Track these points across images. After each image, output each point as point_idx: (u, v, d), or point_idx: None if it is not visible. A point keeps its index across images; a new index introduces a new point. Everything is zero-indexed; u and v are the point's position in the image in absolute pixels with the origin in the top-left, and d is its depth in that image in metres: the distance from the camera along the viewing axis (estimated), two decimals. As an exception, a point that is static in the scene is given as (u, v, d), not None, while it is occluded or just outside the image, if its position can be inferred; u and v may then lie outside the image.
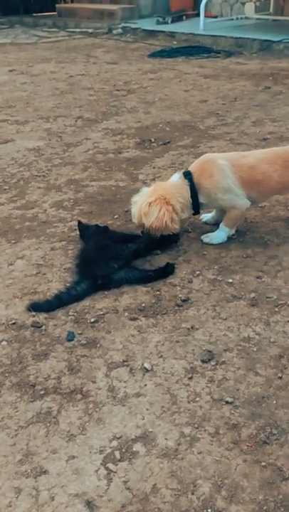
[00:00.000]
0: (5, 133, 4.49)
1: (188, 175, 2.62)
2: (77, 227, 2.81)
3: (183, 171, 2.67)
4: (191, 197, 2.60)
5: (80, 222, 2.79)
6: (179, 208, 2.58)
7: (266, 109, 4.87)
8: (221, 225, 2.74)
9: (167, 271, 2.47)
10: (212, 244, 2.71)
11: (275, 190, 2.72)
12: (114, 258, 2.44)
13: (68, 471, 1.58)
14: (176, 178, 2.64)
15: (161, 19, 9.36)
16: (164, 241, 2.65)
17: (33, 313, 2.24)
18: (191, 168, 2.68)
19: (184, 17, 9.65)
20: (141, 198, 2.62)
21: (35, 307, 2.28)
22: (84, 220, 2.86)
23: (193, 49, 7.65)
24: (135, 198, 2.68)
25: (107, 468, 1.58)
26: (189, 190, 2.59)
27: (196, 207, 2.64)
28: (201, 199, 2.62)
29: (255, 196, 2.66)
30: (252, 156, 2.69)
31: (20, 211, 3.14)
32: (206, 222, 2.94)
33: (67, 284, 2.41)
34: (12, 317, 2.23)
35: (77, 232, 2.80)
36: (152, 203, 2.54)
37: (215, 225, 2.85)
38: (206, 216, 2.95)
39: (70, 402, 1.81)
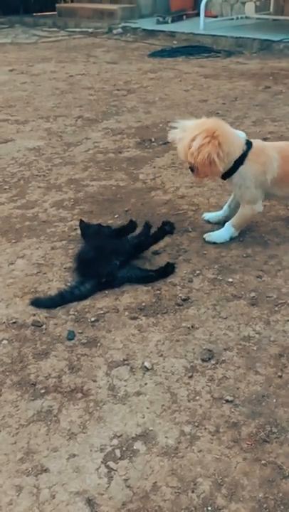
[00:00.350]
0: (5, 132, 4.49)
1: (249, 144, 2.52)
2: (78, 226, 2.81)
3: (248, 138, 2.57)
4: (235, 162, 2.49)
5: (81, 221, 2.79)
6: (226, 150, 2.41)
7: (266, 108, 4.87)
8: (228, 224, 2.69)
9: (168, 270, 2.48)
10: (214, 243, 2.70)
11: None
12: (115, 254, 2.44)
13: (69, 469, 1.58)
14: (242, 135, 2.55)
15: (161, 19, 9.36)
16: (161, 233, 2.62)
17: (35, 308, 2.25)
18: (253, 143, 2.56)
19: (184, 17, 9.66)
20: (187, 132, 2.43)
21: (37, 303, 2.29)
22: (85, 219, 2.87)
23: (194, 49, 7.65)
24: (179, 132, 2.50)
25: (107, 467, 1.59)
26: (240, 153, 2.47)
27: (229, 174, 2.53)
28: (237, 174, 2.52)
29: (287, 192, 2.64)
30: None
31: (21, 211, 3.15)
32: (208, 221, 2.92)
33: (71, 283, 2.41)
34: (12, 316, 2.24)
35: (78, 232, 2.80)
36: (200, 137, 2.35)
37: (217, 224, 2.84)
38: (208, 215, 2.94)
39: (70, 401, 1.82)
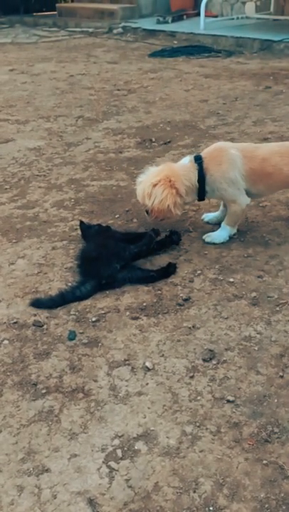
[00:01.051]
0: (5, 132, 4.49)
1: (198, 159, 2.58)
2: (78, 227, 2.81)
3: (194, 154, 2.65)
4: (198, 181, 2.56)
5: (81, 222, 2.79)
6: (183, 191, 2.55)
7: (267, 108, 4.87)
8: (223, 224, 2.73)
9: (169, 271, 2.48)
10: (214, 244, 2.71)
11: (284, 184, 2.71)
12: (116, 258, 2.44)
13: (70, 470, 1.58)
14: (187, 160, 2.61)
15: (161, 19, 9.36)
16: (166, 242, 2.66)
17: (36, 309, 2.25)
18: (203, 153, 2.65)
19: (185, 16, 9.65)
20: (146, 177, 2.58)
21: (37, 304, 2.29)
22: (85, 220, 2.87)
23: (194, 48, 7.65)
24: (141, 177, 2.65)
25: (109, 467, 1.59)
26: (197, 175, 2.55)
27: (202, 193, 2.61)
28: (206, 186, 2.59)
29: (262, 189, 2.68)
30: (265, 148, 2.70)
31: (21, 211, 3.15)
32: (208, 222, 2.93)
33: (72, 284, 2.41)
34: (13, 316, 2.24)
35: (79, 232, 2.80)
36: (157, 184, 2.49)
37: (217, 224, 2.85)
38: (208, 216, 2.94)
39: (71, 401, 1.82)
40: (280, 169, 2.60)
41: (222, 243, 2.72)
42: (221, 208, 2.88)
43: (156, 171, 2.58)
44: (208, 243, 2.72)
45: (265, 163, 2.58)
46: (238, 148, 2.62)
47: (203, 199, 2.69)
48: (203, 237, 2.75)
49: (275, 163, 2.59)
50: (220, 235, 2.73)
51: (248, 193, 2.64)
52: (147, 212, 2.65)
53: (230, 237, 2.75)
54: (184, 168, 2.58)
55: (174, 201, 2.53)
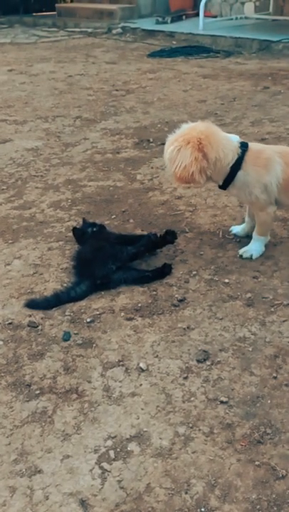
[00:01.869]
0: (3, 133, 4.49)
1: (244, 146, 2.36)
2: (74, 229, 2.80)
3: (242, 141, 2.42)
4: (232, 167, 2.33)
5: (75, 228, 2.73)
6: (213, 158, 2.26)
7: (265, 109, 4.87)
8: (254, 235, 2.56)
9: (164, 271, 2.48)
10: (252, 259, 2.55)
11: None
12: (112, 259, 2.44)
13: (63, 471, 1.58)
14: (234, 138, 2.39)
15: (160, 19, 9.36)
16: (162, 242, 2.65)
17: (30, 310, 2.26)
18: (250, 145, 2.42)
19: (184, 17, 9.65)
20: (176, 135, 2.30)
21: (32, 305, 2.29)
22: (77, 223, 2.85)
23: (193, 49, 7.64)
24: (173, 135, 2.36)
25: (101, 468, 1.59)
26: (235, 159, 2.32)
27: (228, 182, 2.38)
28: (237, 180, 2.37)
29: None
30: None
31: (18, 211, 3.15)
32: (235, 235, 2.74)
33: (67, 285, 2.41)
34: (8, 317, 2.24)
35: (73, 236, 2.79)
36: (181, 147, 2.23)
37: (246, 237, 2.69)
38: (235, 228, 2.77)
39: (65, 402, 1.82)
40: None
41: (253, 257, 2.56)
42: (246, 219, 2.70)
43: (192, 128, 2.29)
44: (246, 258, 2.55)
45: None
46: (280, 155, 2.40)
47: (225, 189, 2.44)
48: (240, 252, 2.58)
49: None
50: (255, 247, 2.56)
51: (279, 203, 2.48)
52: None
53: (226, 238, 2.75)
54: (227, 141, 2.32)
55: (201, 167, 2.25)
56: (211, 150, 2.25)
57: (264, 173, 2.35)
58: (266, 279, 2.43)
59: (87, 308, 2.29)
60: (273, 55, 7.17)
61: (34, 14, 11.58)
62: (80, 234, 2.72)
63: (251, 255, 2.56)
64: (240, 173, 2.35)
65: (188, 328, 2.15)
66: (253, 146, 2.43)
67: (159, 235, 2.65)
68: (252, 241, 2.58)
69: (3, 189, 3.44)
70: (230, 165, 2.33)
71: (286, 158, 2.40)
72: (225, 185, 2.41)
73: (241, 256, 2.58)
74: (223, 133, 2.37)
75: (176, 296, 2.34)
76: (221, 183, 2.41)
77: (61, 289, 2.38)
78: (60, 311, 2.27)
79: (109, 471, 1.57)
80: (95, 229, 2.71)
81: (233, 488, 1.51)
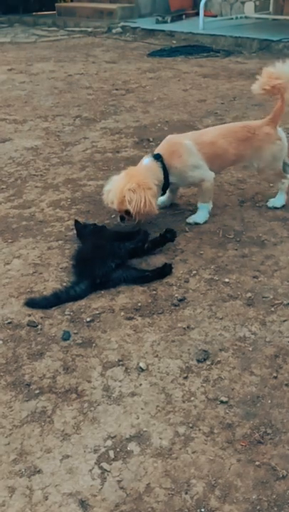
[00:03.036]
0: (3, 132, 4.48)
1: (158, 157, 2.75)
2: (74, 227, 2.80)
3: (151, 154, 2.80)
4: (164, 178, 2.75)
5: (76, 222, 2.79)
6: (155, 189, 2.71)
7: (265, 108, 4.85)
8: (199, 204, 2.93)
9: (165, 271, 2.47)
10: (198, 224, 2.88)
11: (231, 161, 2.96)
12: (111, 257, 2.44)
13: (62, 471, 1.57)
14: (147, 161, 2.75)
15: (160, 18, 9.35)
16: (162, 240, 2.65)
17: (30, 309, 2.25)
18: (158, 150, 2.81)
19: (184, 16, 9.64)
20: (117, 184, 2.67)
21: (32, 303, 2.28)
22: (81, 220, 2.86)
23: (193, 48, 7.64)
24: (108, 186, 2.75)
25: (101, 468, 1.58)
26: (162, 171, 2.73)
27: (165, 187, 2.82)
28: (172, 179, 2.78)
29: (214, 169, 2.88)
30: (210, 132, 2.92)
31: (18, 210, 3.14)
32: (159, 206, 3.01)
33: (66, 284, 2.40)
34: (8, 316, 2.23)
35: (74, 232, 2.79)
36: (134, 189, 2.60)
37: (165, 208, 3.07)
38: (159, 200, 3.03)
39: (64, 402, 1.81)
40: (226, 150, 2.83)
41: (203, 223, 2.89)
42: (167, 193, 3.03)
43: (126, 178, 2.67)
44: (192, 224, 2.89)
45: (214, 146, 2.81)
46: (189, 138, 2.84)
47: (165, 193, 2.92)
48: (187, 220, 2.91)
49: (221, 145, 2.82)
50: (201, 214, 2.91)
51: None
52: (122, 218, 2.75)
53: (226, 237, 2.75)
54: (150, 168, 2.72)
55: (154, 201, 2.69)
56: (152, 185, 2.67)
57: (186, 158, 2.76)
58: (266, 279, 2.42)
59: (87, 307, 2.28)
60: (273, 55, 7.16)
61: (34, 14, 11.57)
62: (81, 228, 2.73)
63: (197, 221, 2.90)
64: (171, 172, 2.76)
65: (188, 327, 2.14)
66: (162, 147, 2.82)
67: (159, 234, 2.65)
68: (198, 209, 2.94)
69: (2, 188, 3.44)
70: (163, 177, 2.75)
71: (194, 140, 2.82)
72: (164, 190, 2.86)
73: (188, 222, 2.91)
74: (141, 168, 2.75)
75: (176, 295, 2.33)
76: (161, 193, 2.86)
77: (61, 288, 2.37)
78: (59, 311, 2.26)
79: (109, 471, 1.57)
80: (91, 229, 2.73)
81: (233, 489, 1.50)
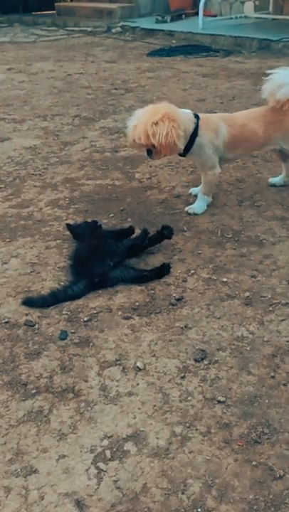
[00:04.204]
0: (2, 131, 4.48)
1: (196, 117, 2.79)
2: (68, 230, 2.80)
3: (194, 112, 2.83)
4: (191, 136, 2.75)
5: (68, 225, 2.77)
6: (183, 128, 2.68)
7: (264, 108, 4.85)
8: (200, 194, 3.02)
9: (163, 271, 2.46)
10: (196, 215, 2.97)
11: (259, 145, 3.00)
12: (109, 255, 2.43)
13: (58, 470, 1.57)
14: (187, 111, 2.80)
15: (160, 18, 9.34)
16: (159, 237, 2.64)
17: (27, 307, 2.24)
18: (200, 115, 2.84)
19: (183, 16, 9.63)
20: (142, 118, 2.64)
21: (29, 302, 2.28)
22: (72, 221, 2.86)
23: (192, 48, 7.63)
24: (132, 121, 2.72)
25: (97, 468, 1.57)
26: (193, 128, 2.74)
27: (188, 148, 2.79)
28: (195, 145, 2.79)
29: (239, 153, 3.01)
30: (240, 115, 2.99)
31: (16, 210, 3.13)
32: (274, 185, 3.27)
33: (64, 283, 2.40)
34: (5, 316, 2.23)
35: (69, 231, 2.79)
36: (159, 121, 2.59)
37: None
38: (194, 190, 3.18)
39: (61, 401, 1.80)
40: (256, 132, 2.89)
41: (202, 213, 3.00)
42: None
43: (151, 111, 2.66)
44: (191, 214, 2.98)
45: (244, 128, 2.88)
46: (222, 119, 2.91)
47: (185, 155, 2.87)
48: (186, 209, 3.01)
49: (251, 127, 2.88)
50: (200, 205, 3.00)
51: (224, 159, 2.95)
52: (150, 152, 2.74)
53: (225, 236, 2.75)
54: (185, 114, 2.75)
55: (178, 134, 2.64)
56: (181, 122, 2.67)
57: (215, 135, 2.82)
58: (264, 278, 2.42)
59: (85, 307, 2.27)
60: (273, 54, 7.16)
61: (33, 13, 11.55)
62: (74, 229, 2.73)
63: (196, 212, 2.99)
64: (197, 139, 2.79)
65: (185, 327, 2.14)
66: (202, 115, 2.88)
67: (156, 231, 2.64)
68: (197, 199, 3.03)
69: (1, 187, 3.43)
70: (191, 133, 2.76)
71: (227, 121, 2.89)
72: (185, 151, 2.81)
73: (187, 212, 3.00)
74: (180, 109, 2.78)
75: (174, 295, 2.32)
76: (182, 151, 2.80)
77: (58, 287, 2.37)
78: (57, 310, 2.25)
79: (106, 471, 1.56)
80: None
81: (230, 489, 1.50)
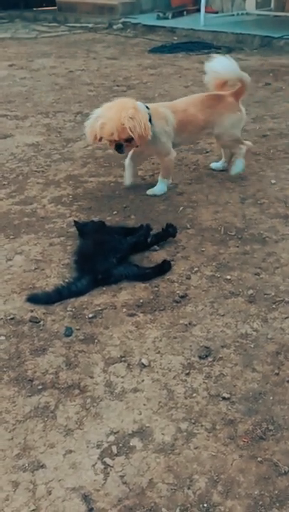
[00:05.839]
0: (4, 128, 4.48)
1: (148, 108, 2.94)
2: (74, 226, 2.81)
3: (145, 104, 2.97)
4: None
5: (76, 222, 2.78)
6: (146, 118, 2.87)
7: (266, 105, 4.86)
8: (160, 178, 3.22)
9: (164, 268, 2.47)
10: (156, 196, 3.17)
11: (200, 127, 3.19)
12: (113, 252, 2.45)
13: (65, 465, 1.58)
14: (139, 103, 2.91)
15: (161, 14, 9.33)
16: (163, 235, 2.66)
17: (32, 304, 2.26)
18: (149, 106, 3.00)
19: (185, 12, 9.62)
20: (111, 115, 2.77)
21: (33, 299, 2.29)
22: (80, 218, 2.87)
23: (194, 44, 7.62)
24: (98, 120, 2.82)
25: (104, 463, 1.59)
26: (148, 117, 2.89)
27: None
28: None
29: (186, 137, 3.19)
30: (181, 102, 3.21)
31: (19, 206, 3.14)
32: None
33: (68, 280, 2.41)
34: (10, 312, 2.24)
35: (76, 228, 2.80)
36: (134, 114, 2.75)
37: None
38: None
39: (67, 397, 1.82)
40: (196, 116, 3.11)
41: (161, 194, 3.20)
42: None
43: (118, 106, 2.81)
44: (151, 195, 3.18)
45: (186, 113, 3.09)
46: (166, 106, 3.11)
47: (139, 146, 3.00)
48: (147, 192, 3.20)
49: (192, 112, 3.11)
50: (161, 188, 3.21)
51: (173, 143, 3.12)
52: (120, 146, 2.88)
53: (228, 234, 2.76)
54: (142, 107, 2.90)
55: (148, 124, 2.86)
56: (143, 113, 2.86)
57: (164, 122, 3.01)
58: (268, 276, 2.43)
59: (89, 303, 2.29)
60: (275, 52, 7.16)
61: (34, 9, 11.53)
62: (81, 227, 2.74)
63: (155, 193, 3.20)
64: (152, 128, 2.91)
65: (190, 324, 2.15)
66: (150, 106, 3.02)
67: (161, 229, 2.66)
68: (158, 183, 3.23)
69: (4, 184, 3.44)
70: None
71: (171, 108, 3.08)
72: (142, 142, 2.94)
73: (148, 194, 3.20)
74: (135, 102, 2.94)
75: (178, 292, 2.34)
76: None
77: (62, 283, 2.38)
78: (61, 307, 2.27)
79: (112, 466, 1.58)
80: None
81: (236, 484, 1.52)
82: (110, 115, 2.79)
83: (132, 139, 2.82)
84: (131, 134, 2.77)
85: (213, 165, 3.56)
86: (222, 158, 3.51)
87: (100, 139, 2.90)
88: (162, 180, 3.23)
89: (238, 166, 3.33)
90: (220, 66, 3.17)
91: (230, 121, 3.19)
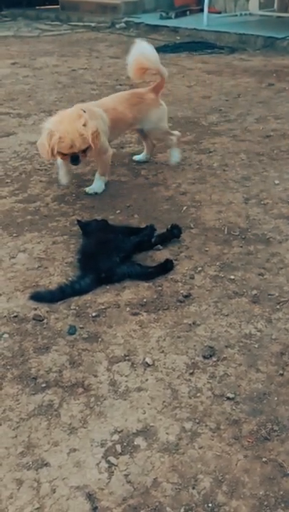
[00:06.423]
0: (7, 126, 4.47)
1: (84, 111, 2.95)
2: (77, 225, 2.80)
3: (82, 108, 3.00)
4: None
5: (79, 221, 2.78)
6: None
7: (269, 106, 4.86)
8: (97, 175, 3.25)
9: (167, 267, 2.47)
10: (96, 194, 3.21)
11: (129, 124, 3.33)
12: (116, 251, 2.45)
13: (69, 464, 1.58)
14: (74, 108, 2.99)
15: (164, 14, 9.32)
16: (168, 236, 2.66)
17: (35, 302, 2.26)
18: (82, 107, 3.03)
19: (188, 12, 9.62)
20: (66, 129, 2.79)
21: (37, 297, 2.28)
22: (82, 217, 2.86)
23: (197, 44, 7.62)
24: (53, 137, 2.81)
25: (108, 462, 1.58)
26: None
27: None
28: None
29: (116, 133, 3.32)
30: (108, 101, 3.30)
31: (22, 204, 3.14)
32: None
33: (71, 278, 2.41)
34: (14, 310, 2.23)
35: (79, 227, 2.79)
36: (87, 122, 2.82)
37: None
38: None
39: (71, 396, 1.81)
40: (125, 113, 3.23)
41: (100, 193, 3.23)
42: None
43: (69, 119, 2.84)
44: (91, 194, 3.21)
45: (116, 111, 3.19)
46: (97, 106, 3.17)
47: None
48: (86, 190, 3.24)
49: (121, 109, 3.21)
50: (99, 185, 3.24)
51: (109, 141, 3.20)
52: (76, 158, 2.91)
53: (232, 234, 2.75)
54: (82, 113, 2.92)
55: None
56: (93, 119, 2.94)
57: (102, 122, 3.06)
58: (272, 276, 2.43)
59: (93, 302, 2.28)
60: (278, 52, 7.16)
61: (37, 7, 11.52)
62: (84, 225, 2.73)
63: (95, 191, 3.23)
64: None
65: (193, 324, 2.15)
66: (85, 107, 3.04)
67: (166, 229, 2.66)
68: (95, 180, 3.26)
69: (7, 182, 3.43)
70: None
71: (102, 107, 3.15)
72: None
73: (87, 192, 3.23)
74: (74, 109, 3.02)
75: (182, 292, 2.33)
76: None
77: (66, 282, 2.37)
78: (65, 305, 2.26)
79: (116, 465, 1.57)
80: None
81: (241, 484, 1.51)
82: (65, 128, 2.80)
83: (88, 148, 2.87)
84: (90, 143, 2.82)
85: (136, 157, 3.68)
86: (144, 149, 3.66)
87: (55, 154, 2.89)
88: (100, 177, 3.25)
89: (174, 156, 3.56)
90: (148, 50, 3.34)
91: (156, 116, 3.37)
